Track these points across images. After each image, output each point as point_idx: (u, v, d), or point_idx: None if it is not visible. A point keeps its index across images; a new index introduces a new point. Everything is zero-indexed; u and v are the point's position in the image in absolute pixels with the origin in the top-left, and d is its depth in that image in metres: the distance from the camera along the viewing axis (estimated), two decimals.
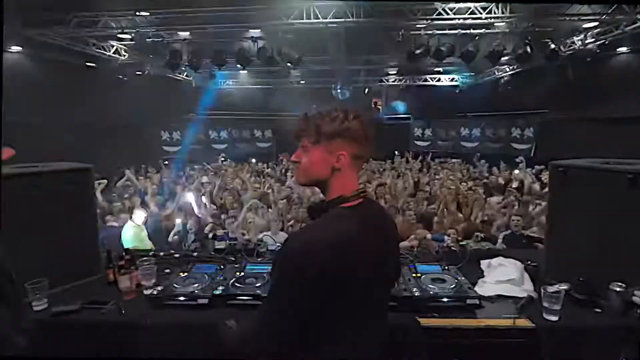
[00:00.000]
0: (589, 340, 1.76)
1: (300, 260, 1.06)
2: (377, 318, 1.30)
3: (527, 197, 5.43)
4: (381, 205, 1.49)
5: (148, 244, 4.58)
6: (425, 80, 14.41)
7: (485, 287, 2.12)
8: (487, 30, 6.81)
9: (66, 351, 1.86)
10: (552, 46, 6.61)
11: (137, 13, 7.16)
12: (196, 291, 1.95)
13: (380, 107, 16.34)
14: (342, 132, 1.20)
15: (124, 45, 9.68)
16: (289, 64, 8.61)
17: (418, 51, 7.24)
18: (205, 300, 1.89)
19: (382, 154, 12.12)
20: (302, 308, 1.09)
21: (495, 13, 6.22)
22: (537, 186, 6.30)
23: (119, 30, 7.83)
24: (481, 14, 6.22)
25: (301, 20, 6.88)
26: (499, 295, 2.06)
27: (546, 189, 6.07)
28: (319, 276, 1.05)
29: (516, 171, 9.59)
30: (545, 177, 7.94)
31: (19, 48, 8.75)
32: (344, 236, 1.11)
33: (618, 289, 1.75)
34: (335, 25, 6.94)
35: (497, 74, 12.38)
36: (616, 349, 1.63)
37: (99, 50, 9.33)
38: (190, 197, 5.80)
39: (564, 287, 1.85)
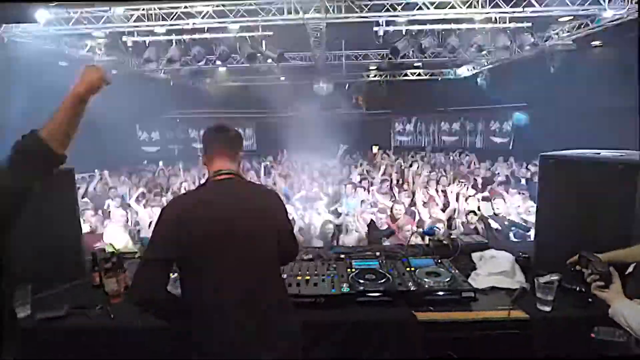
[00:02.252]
0: (582, 329, 1.78)
1: (163, 213, 1.54)
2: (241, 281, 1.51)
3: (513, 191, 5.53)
4: (252, 183, 1.99)
5: (129, 246, 4.45)
6: (406, 75, 14.49)
7: (479, 280, 2.13)
8: (467, 25, 6.89)
9: (54, 358, 1.78)
10: (532, 39, 6.72)
11: (112, 10, 6.92)
12: None
13: (361, 103, 16.36)
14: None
15: (99, 43, 9.34)
16: (269, 61, 8.49)
17: (400, 46, 7.26)
18: None
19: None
20: (164, 253, 1.46)
21: (475, 7, 6.29)
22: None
23: (93, 28, 7.54)
24: (462, 8, 6.28)
25: (281, 17, 6.79)
26: (492, 287, 2.08)
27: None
28: (173, 227, 1.47)
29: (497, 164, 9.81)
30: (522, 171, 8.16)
31: None
32: (196, 196, 1.64)
33: None
34: (316, 20, 6.88)
35: (476, 68, 12.55)
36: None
37: (72, 49, 8.97)
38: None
39: (555, 277, 1.87)
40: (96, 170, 8.14)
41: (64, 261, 2.20)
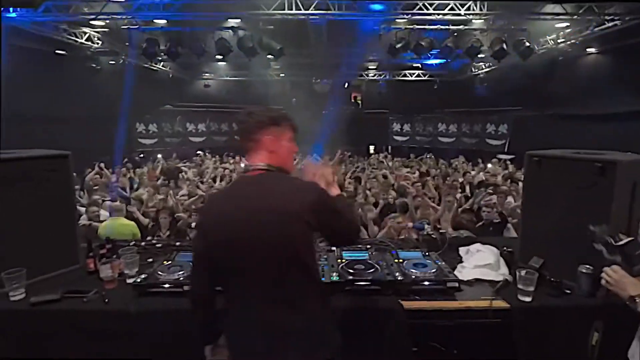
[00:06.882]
0: (560, 319, 1.87)
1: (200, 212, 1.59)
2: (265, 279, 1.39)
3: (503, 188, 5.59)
4: (290, 179, 1.53)
5: (126, 235, 4.49)
6: (404, 75, 14.57)
7: (464, 272, 2.20)
8: (465, 27, 6.98)
9: (47, 342, 1.81)
10: (527, 44, 6.82)
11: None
12: (181, 278, 1.95)
13: (359, 101, 16.44)
14: None
15: (97, 32, 9.32)
16: (270, 56, 8.52)
17: (399, 45, 7.34)
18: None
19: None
20: (202, 253, 1.44)
21: (473, 10, 6.39)
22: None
23: (92, 17, 7.53)
24: (460, 10, 6.38)
25: (282, 11, 6.83)
26: (477, 279, 2.15)
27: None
28: (203, 223, 1.46)
29: (489, 165, 9.91)
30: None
31: None
32: (223, 196, 1.58)
33: (585, 271, 1.86)
34: (316, 17, 6.93)
35: (473, 71, 12.66)
36: (584, 327, 1.73)
37: (70, 37, 8.94)
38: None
39: (534, 264, 1.96)
40: (94, 163, 8.12)
41: (59, 247, 2.19)
